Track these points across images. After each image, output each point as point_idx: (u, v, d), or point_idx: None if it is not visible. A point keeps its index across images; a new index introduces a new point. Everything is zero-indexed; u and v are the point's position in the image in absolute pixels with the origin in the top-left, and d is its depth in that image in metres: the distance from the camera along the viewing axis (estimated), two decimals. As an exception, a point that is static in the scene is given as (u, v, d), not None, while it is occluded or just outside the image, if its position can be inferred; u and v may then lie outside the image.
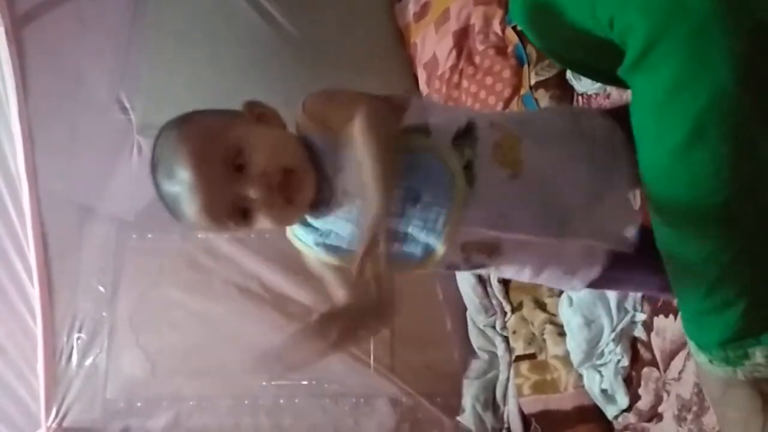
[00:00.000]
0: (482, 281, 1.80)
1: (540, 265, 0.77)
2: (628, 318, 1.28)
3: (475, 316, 1.86)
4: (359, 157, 0.67)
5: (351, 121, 0.70)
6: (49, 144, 1.76)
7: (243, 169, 0.69)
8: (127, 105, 1.87)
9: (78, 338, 1.96)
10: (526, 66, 1.73)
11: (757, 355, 0.61)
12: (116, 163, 1.87)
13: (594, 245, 0.75)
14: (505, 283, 1.76)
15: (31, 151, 1.60)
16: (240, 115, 0.77)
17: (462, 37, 1.89)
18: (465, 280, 1.86)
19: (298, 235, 0.77)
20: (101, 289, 2.05)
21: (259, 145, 0.70)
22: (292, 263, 2.09)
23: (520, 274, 0.79)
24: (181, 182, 0.68)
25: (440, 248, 0.71)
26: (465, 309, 1.96)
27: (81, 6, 1.86)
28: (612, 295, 1.30)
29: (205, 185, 0.68)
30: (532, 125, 0.76)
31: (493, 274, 0.77)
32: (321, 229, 0.75)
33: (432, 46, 1.99)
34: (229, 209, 0.69)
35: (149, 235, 2.16)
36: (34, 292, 1.82)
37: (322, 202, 0.72)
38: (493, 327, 1.82)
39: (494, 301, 1.79)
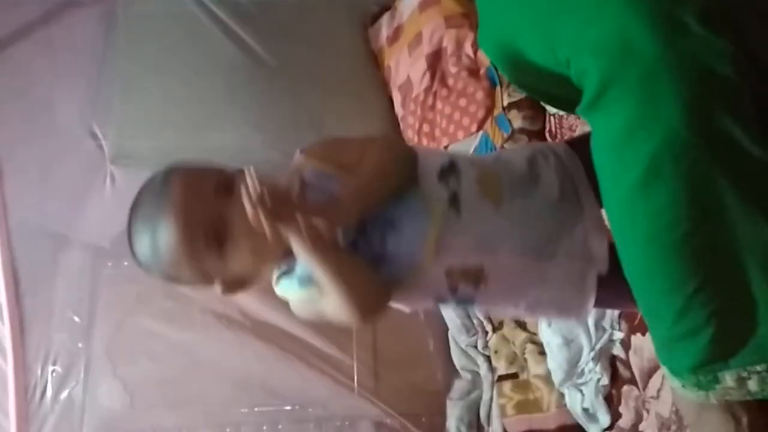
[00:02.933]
0: (462, 302, 1.80)
1: (527, 298, 0.77)
2: (606, 337, 1.29)
3: (457, 336, 1.86)
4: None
5: (367, 151, 0.74)
6: (20, 175, 1.73)
7: (232, 191, 0.70)
8: (99, 134, 1.84)
9: (53, 371, 1.91)
10: (498, 87, 1.76)
11: (728, 379, 0.62)
12: (89, 193, 1.84)
13: (580, 269, 0.76)
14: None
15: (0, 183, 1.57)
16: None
17: (435, 59, 1.91)
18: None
19: (283, 287, 0.77)
20: (76, 319, 2.01)
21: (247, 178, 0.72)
22: (272, 289, 2.09)
23: (516, 311, 0.80)
24: (167, 195, 0.71)
25: (424, 255, 0.72)
26: (447, 329, 1.96)
27: (52, 35, 1.84)
28: (590, 314, 1.31)
29: (189, 199, 0.70)
30: (502, 164, 0.79)
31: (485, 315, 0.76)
32: (294, 271, 0.75)
33: (406, 68, 2.01)
34: (207, 227, 0.70)
35: (125, 263, 2.12)
36: (4, 329, 1.77)
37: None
38: (475, 347, 1.82)
39: (475, 321, 1.79)
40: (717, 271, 0.61)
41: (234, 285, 0.75)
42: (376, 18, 2.20)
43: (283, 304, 2.10)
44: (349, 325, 0.75)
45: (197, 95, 1.96)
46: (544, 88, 0.75)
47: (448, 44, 1.89)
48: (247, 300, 1.95)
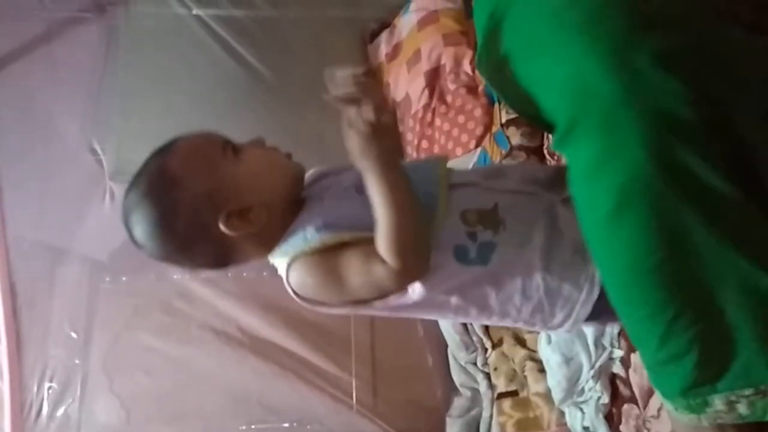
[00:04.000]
0: (461, 318, 1.79)
1: (541, 254, 0.71)
2: (605, 354, 1.28)
3: (456, 353, 1.85)
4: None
5: None
6: (20, 189, 1.73)
7: (238, 152, 0.76)
8: (99, 150, 1.85)
9: (49, 388, 1.90)
10: (496, 104, 1.77)
11: (717, 402, 0.62)
12: (88, 208, 1.85)
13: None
14: (484, 319, 1.75)
15: (-1, 198, 1.57)
16: None
17: (434, 76, 1.93)
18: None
19: (284, 251, 0.73)
20: (73, 334, 2.00)
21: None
22: (271, 305, 2.10)
23: (527, 285, 0.72)
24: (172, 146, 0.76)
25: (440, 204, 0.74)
26: (446, 345, 1.95)
27: (52, 50, 1.86)
28: (589, 331, 1.30)
29: (201, 154, 0.74)
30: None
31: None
32: (314, 219, 0.72)
33: (404, 85, 2.02)
34: (223, 141, 0.75)
35: (123, 278, 2.12)
36: (1, 346, 1.76)
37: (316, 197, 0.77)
38: (475, 363, 1.81)
39: (474, 338, 1.78)
40: (693, 298, 0.61)
41: (239, 215, 0.72)
42: (375, 35, 2.21)
43: (282, 320, 2.07)
44: (382, 277, 0.69)
45: (197, 111, 1.97)
46: (530, 110, 0.77)
47: (447, 61, 1.90)
48: (245, 316, 1.95)
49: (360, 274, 0.70)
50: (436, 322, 1.97)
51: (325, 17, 2.21)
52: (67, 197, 1.84)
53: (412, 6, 2.07)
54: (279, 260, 0.75)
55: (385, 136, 0.67)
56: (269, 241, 0.74)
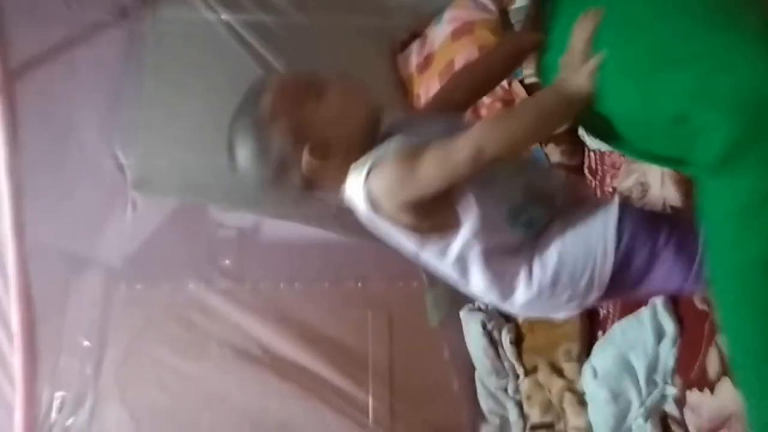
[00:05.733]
0: (494, 343, 1.72)
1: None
2: (657, 392, 1.20)
3: (486, 378, 1.77)
4: None
5: None
6: (40, 199, 1.68)
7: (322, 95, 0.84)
8: (122, 159, 1.80)
9: (60, 398, 1.85)
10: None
11: None
12: (109, 218, 1.81)
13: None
14: (517, 344, 1.68)
15: (19, 208, 1.52)
16: None
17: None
18: (475, 341, 1.77)
19: (364, 162, 0.80)
20: (87, 343, 1.96)
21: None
22: (287, 319, 2.04)
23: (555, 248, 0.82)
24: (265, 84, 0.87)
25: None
26: (474, 369, 1.87)
27: (74, 59, 1.81)
28: (640, 366, 1.22)
29: (295, 88, 0.85)
30: None
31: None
32: (398, 132, 0.82)
33: (436, 97, 1.96)
34: (306, 84, 0.84)
35: (138, 286, 2.08)
36: (13, 357, 1.71)
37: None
38: (505, 390, 1.73)
39: (506, 363, 1.70)
40: None
41: (322, 150, 0.82)
42: (405, 45, 2.15)
43: (298, 334, 2.02)
44: (460, 151, 0.76)
45: (221, 119, 1.90)
46: (619, 135, 0.69)
47: (482, 74, 1.84)
48: (267, 333, 1.88)
49: (437, 154, 0.76)
50: (462, 341, 1.90)
51: (355, 25, 2.15)
52: (88, 206, 1.79)
53: (446, 16, 2.01)
54: (357, 174, 0.81)
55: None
56: (348, 124, 0.84)
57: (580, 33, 0.73)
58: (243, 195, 1.91)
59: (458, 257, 0.82)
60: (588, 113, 0.73)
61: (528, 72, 1.70)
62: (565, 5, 0.81)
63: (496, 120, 0.81)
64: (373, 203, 0.79)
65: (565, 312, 0.88)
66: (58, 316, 1.88)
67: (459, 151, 0.75)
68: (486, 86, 0.95)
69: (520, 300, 0.85)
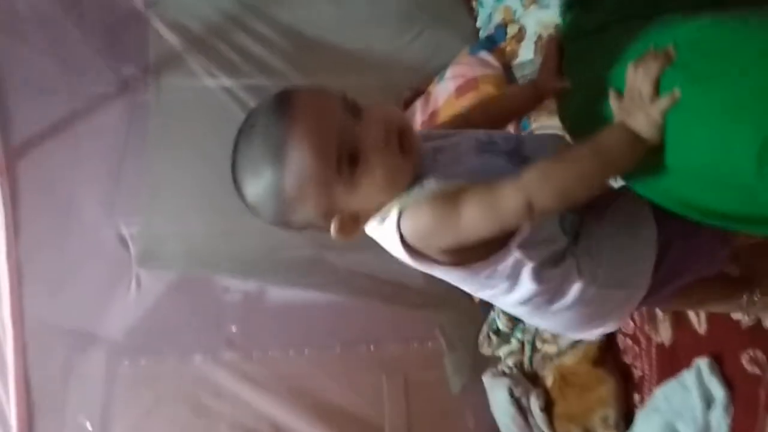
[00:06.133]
0: (522, 410, 1.62)
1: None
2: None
3: (512, 437, 1.66)
4: None
5: None
6: (42, 277, 1.62)
7: (360, 114, 0.69)
8: (126, 235, 1.75)
9: (61, 487, 1.74)
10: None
11: None
12: (113, 297, 1.74)
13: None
14: (548, 410, 1.58)
15: (18, 292, 1.46)
16: None
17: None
18: (502, 408, 1.67)
19: (397, 202, 0.71)
20: (88, 425, 1.85)
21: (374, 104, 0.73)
22: (297, 389, 1.95)
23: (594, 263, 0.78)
24: (291, 115, 0.67)
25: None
26: (494, 422, 1.76)
27: (76, 133, 1.79)
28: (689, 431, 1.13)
29: (322, 116, 0.67)
30: None
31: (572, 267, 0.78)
32: (432, 174, 0.72)
33: (444, 154, 1.93)
34: (340, 146, 0.67)
35: (142, 362, 1.99)
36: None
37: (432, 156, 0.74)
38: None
39: (531, 421, 1.60)
40: None
41: (349, 223, 0.72)
42: (408, 103, 2.14)
43: (311, 405, 1.93)
44: (508, 202, 0.68)
45: (228, 183, 1.87)
46: (667, 186, 0.64)
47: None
48: (280, 413, 1.78)
49: (481, 203, 0.68)
50: (487, 410, 1.80)
51: (357, 85, 2.15)
52: (91, 284, 1.73)
53: (449, 73, 2.00)
54: (386, 218, 0.72)
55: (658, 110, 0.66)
56: (381, 199, 0.72)
57: (645, 73, 0.65)
58: (249, 263, 1.86)
59: (508, 275, 0.76)
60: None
61: (536, 125, 1.68)
62: (600, 46, 0.76)
63: (548, 167, 0.68)
64: (409, 247, 0.72)
65: (613, 321, 0.83)
66: (59, 397, 1.79)
67: (506, 201, 0.67)
68: (497, 124, 0.88)
69: (570, 299, 0.79)
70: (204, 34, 2.02)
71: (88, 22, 1.94)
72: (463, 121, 0.86)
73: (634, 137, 0.67)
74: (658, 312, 1.30)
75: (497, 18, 2.03)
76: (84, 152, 1.82)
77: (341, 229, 0.72)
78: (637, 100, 0.67)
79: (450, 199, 0.68)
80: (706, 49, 0.63)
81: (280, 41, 2.10)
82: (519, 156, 0.74)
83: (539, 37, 1.84)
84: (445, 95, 1.98)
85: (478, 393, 1.85)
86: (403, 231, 0.70)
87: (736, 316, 1.13)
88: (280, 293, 2.11)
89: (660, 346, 1.29)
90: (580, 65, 0.80)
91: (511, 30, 1.95)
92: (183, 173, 1.88)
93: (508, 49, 1.95)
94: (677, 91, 0.63)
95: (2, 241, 1.40)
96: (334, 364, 2.02)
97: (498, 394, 1.68)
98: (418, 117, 2.07)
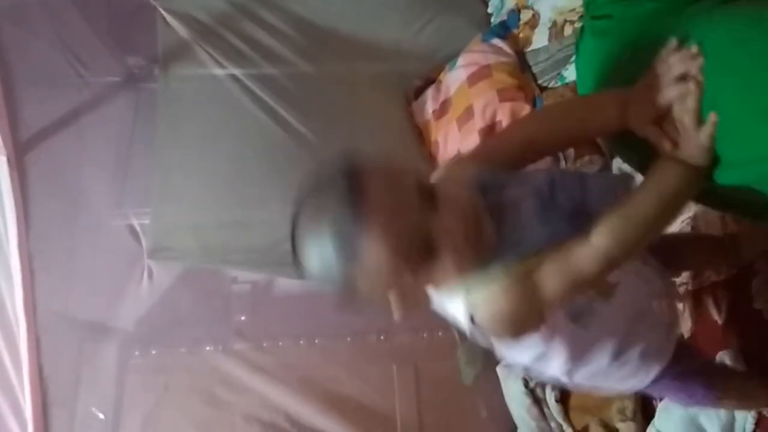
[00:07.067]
0: (537, 402, 1.61)
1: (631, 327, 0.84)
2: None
3: (530, 440, 1.65)
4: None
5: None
6: (52, 271, 1.62)
7: (435, 201, 0.65)
8: (137, 226, 1.74)
9: (73, 477, 1.75)
10: (562, 163, 1.63)
11: None
12: (124, 289, 1.73)
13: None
14: (563, 402, 1.57)
15: (30, 285, 1.45)
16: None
17: (489, 134, 1.80)
18: (516, 400, 1.66)
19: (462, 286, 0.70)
20: (101, 416, 1.86)
21: (448, 184, 0.69)
22: (308, 379, 1.94)
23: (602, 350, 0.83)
24: (366, 213, 0.62)
25: None
26: (514, 428, 1.75)
27: (84, 125, 1.78)
28: (714, 429, 1.11)
29: (399, 210, 0.63)
30: None
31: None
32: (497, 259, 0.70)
33: (456, 143, 1.90)
34: (417, 242, 0.64)
35: (153, 352, 1.99)
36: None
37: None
38: (552, 452, 1.61)
39: (553, 424, 1.59)
40: None
41: (412, 303, 0.69)
42: (419, 92, 2.11)
43: (322, 395, 1.93)
44: (584, 258, 0.68)
45: (238, 174, 1.86)
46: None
47: (503, 118, 1.78)
48: (294, 404, 1.78)
49: (559, 275, 0.68)
50: (501, 400, 1.79)
51: (366, 74, 2.13)
52: (102, 276, 1.72)
53: (460, 60, 1.97)
54: (453, 293, 0.71)
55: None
56: (448, 283, 0.70)
57: (685, 107, 0.65)
58: (260, 254, 1.85)
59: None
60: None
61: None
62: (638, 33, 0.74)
63: (616, 221, 0.67)
64: (483, 328, 0.71)
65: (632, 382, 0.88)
66: (72, 389, 1.80)
67: (583, 264, 0.67)
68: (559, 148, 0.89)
69: (593, 368, 0.82)
70: (212, 23, 2.00)
71: (95, 12, 1.92)
72: (528, 145, 0.79)
73: (689, 168, 0.67)
74: (678, 304, 1.28)
75: (510, 3, 1.99)
76: (92, 144, 1.80)
77: (403, 308, 0.69)
78: (682, 131, 0.66)
79: (524, 283, 0.68)
80: (751, 50, 0.62)
81: (288, 30, 2.07)
82: (583, 215, 0.70)
83: (553, 24, 1.80)
84: (457, 83, 1.95)
85: (490, 383, 1.84)
86: (476, 318, 0.70)
87: (758, 305, 1.12)
88: (290, 284, 2.10)
89: (679, 339, 1.27)
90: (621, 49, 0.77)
91: (525, 16, 1.92)
92: (192, 165, 1.86)
93: (522, 35, 1.92)
94: (714, 116, 0.63)
95: (13, 234, 1.39)
96: (345, 354, 2.02)
97: (512, 385, 1.67)
98: (429, 106, 2.04)
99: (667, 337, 0.89)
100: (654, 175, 0.69)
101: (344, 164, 0.66)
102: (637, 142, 0.70)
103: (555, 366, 0.84)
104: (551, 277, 0.67)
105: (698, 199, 0.78)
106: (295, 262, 0.68)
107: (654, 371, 0.87)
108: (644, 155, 0.70)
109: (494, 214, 0.70)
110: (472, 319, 0.70)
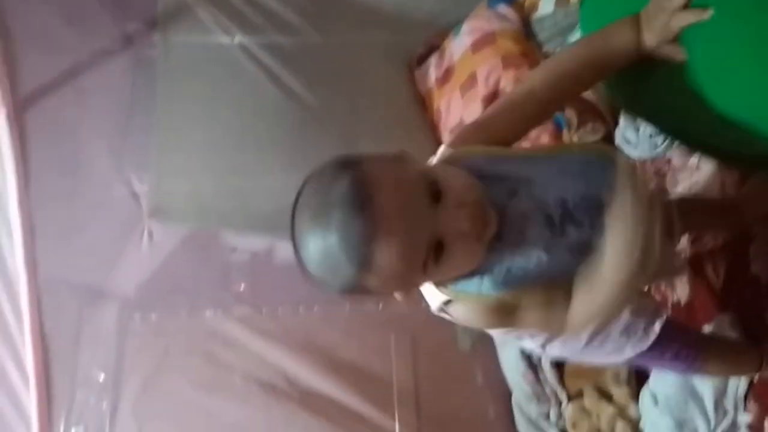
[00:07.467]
0: (533, 366, 1.62)
1: None
2: (728, 420, 1.11)
3: (525, 405, 1.67)
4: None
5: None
6: (53, 231, 1.62)
7: (440, 195, 0.64)
8: (137, 187, 1.74)
9: (75, 433, 1.78)
10: (565, 131, 1.62)
11: None
12: (124, 249, 1.73)
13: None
14: (558, 368, 1.59)
15: (30, 242, 1.45)
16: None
17: (492, 102, 1.79)
18: (512, 365, 1.68)
19: (461, 289, 0.71)
20: (102, 376, 1.88)
21: (451, 177, 0.67)
22: (306, 344, 1.96)
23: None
24: (374, 218, 0.60)
25: None
26: (509, 394, 1.77)
27: (84, 86, 1.76)
28: (707, 392, 1.13)
29: (408, 214, 0.62)
30: None
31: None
32: (495, 268, 0.70)
33: (458, 111, 1.89)
34: (427, 243, 0.63)
35: (153, 316, 2.00)
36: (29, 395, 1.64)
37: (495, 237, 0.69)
38: (547, 417, 1.63)
39: (547, 389, 1.61)
40: None
41: (417, 294, 0.74)
42: (422, 59, 2.09)
43: (319, 360, 1.95)
44: (558, 322, 0.69)
45: (240, 141, 1.85)
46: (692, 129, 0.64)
47: (507, 85, 1.77)
48: (294, 365, 1.80)
49: (536, 321, 0.70)
50: (497, 367, 1.81)
51: (370, 42, 2.10)
52: (103, 237, 1.72)
53: (465, 27, 1.95)
54: (439, 291, 0.72)
55: None
56: (450, 278, 0.71)
57: None
58: (261, 219, 1.85)
59: None
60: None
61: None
62: None
63: (587, 296, 0.65)
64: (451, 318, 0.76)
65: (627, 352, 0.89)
66: (72, 349, 1.81)
67: (560, 326, 0.69)
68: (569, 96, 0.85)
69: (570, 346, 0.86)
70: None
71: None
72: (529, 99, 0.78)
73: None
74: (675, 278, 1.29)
75: (516, -31, 1.96)
76: (91, 106, 1.79)
77: (408, 295, 0.73)
78: (665, 3, 0.67)
79: (506, 312, 0.70)
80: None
81: (290, -6, 2.04)
82: (588, 249, 0.66)
83: (560, -11, 1.78)
84: (461, 50, 1.93)
85: (487, 351, 1.86)
86: (450, 312, 0.73)
87: (755, 270, 1.13)
88: (287, 252, 2.11)
89: (676, 304, 1.28)
90: None
91: (531, -19, 1.89)
92: (193, 130, 1.85)
93: (527, 2, 1.89)
94: (706, 12, 0.62)
95: (14, 191, 1.39)
96: (344, 322, 2.03)
97: (508, 351, 1.68)
98: (432, 73, 2.03)
99: (652, 314, 0.90)
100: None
101: (346, 164, 0.64)
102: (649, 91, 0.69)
103: (528, 342, 0.87)
104: (528, 320, 0.70)
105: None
106: (299, 266, 0.68)
107: (640, 346, 0.88)
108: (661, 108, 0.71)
109: (499, 215, 0.68)
110: (443, 309, 0.74)
